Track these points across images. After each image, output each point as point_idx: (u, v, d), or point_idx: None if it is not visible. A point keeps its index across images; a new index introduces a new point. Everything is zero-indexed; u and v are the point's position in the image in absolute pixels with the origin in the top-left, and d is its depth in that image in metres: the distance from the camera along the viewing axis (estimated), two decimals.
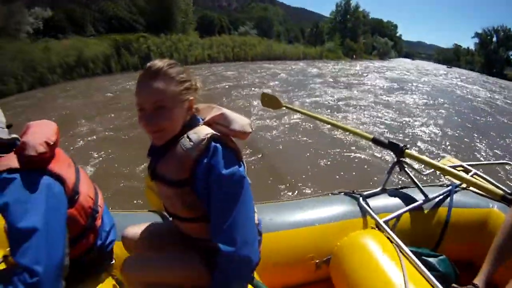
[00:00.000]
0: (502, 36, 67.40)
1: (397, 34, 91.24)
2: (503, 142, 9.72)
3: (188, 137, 1.19)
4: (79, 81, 19.36)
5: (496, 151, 8.67)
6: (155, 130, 1.20)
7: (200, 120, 1.28)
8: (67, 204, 1.33)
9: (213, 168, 1.14)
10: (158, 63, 1.19)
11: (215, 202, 1.15)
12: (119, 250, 1.70)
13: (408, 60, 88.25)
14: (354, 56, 55.04)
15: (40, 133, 1.33)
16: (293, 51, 41.60)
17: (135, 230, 1.63)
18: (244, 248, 1.13)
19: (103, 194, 1.69)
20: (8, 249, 1.64)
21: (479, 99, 20.39)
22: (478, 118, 13.33)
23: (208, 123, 1.25)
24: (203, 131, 1.19)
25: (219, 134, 1.20)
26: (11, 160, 1.24)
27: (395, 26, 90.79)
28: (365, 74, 28.33)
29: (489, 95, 23.54)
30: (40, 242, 1.13)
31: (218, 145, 1.17)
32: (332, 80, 22.09)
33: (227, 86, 17.33)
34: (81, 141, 7.94)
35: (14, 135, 1.37)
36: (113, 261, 1.69)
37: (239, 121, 1.24)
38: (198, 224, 1.30)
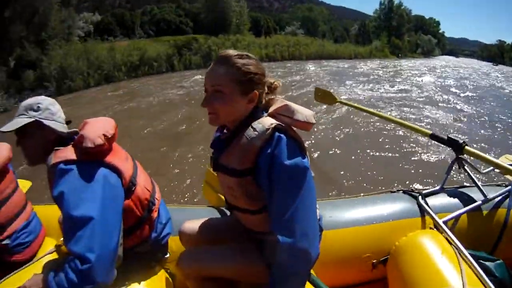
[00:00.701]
0: None
1: (440, 31, 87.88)
2: None
3: (252, 127, 1.18)
4: (143, 78, 20.83)
5: None
6: (210, 111, 1.22)
7: (264, 112, 1.27)
8: (123, 195, 1.36)
9: (276, 158, 1.12)
10: (229, 51, 1.22)
11: (276, 192, 1.12)
12: (174, 244, 1.73)
13: (452, 58, 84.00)
14: (400, 55, 53.67)
15: (98, 127, 1.38)
16: (344, 50, 41.52)
17: (193, 224, 1.64)
18: (304, 240, 1.08)
19: (160, 189, 1.70)
20: (61, 239, 1.65)
21: None
22: None
23: (272, 115, 1.24)
24: (267, 122, 1.18)
25: (282, 124, 1.18)
26: (69, 152, 1.30)
27: (438, 23, 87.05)
28: (414, 72, 27.83)
29: None
30: (94, 230, 1.15)
31: (282, 135, 1.15)
32: (384, 77, 22.42)
33: (295, 83, 18.14)
34: (143, 135, 8.30)
35: (73, 130, 1.47)
36: (167, 255, 1.69)
37: (303, 112, 1.22)
38: (259, 216, 1.28)
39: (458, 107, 12.49)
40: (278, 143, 1.13)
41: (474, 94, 16.90)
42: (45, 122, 1.39)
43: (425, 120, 10.03)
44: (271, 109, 1.26)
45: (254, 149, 1.15)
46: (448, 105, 12.84)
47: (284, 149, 1.12)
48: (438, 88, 18.14)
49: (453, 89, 17.93)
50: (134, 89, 17.01)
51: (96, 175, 1.26)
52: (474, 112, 11.98)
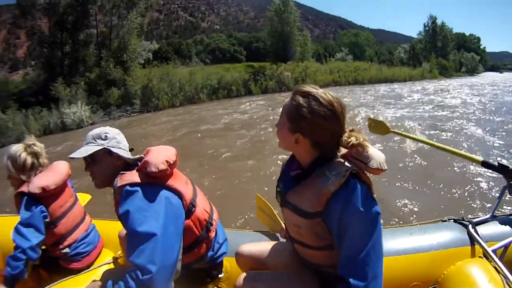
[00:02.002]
0: None
1: (481, 47, 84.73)
2: None
3: (326, 170, 1.19)
4: (223, 100, 22.28)
5: None
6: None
7: (337, 153, 1.25)
8: (184, 215, 1.45)
9: (350, 203, 1.11)
10: (307, 87, 1.22)
11: (349, 236, 1.12)
12: (228, 264, 1.84)
13: (496, 73, 79.97)
14: (446, 74, 52.07)
15: (161, 154, 1.48)
16: (399, 73, 41.98)
17: (250, 247, 1.71)
18: (374, 283, 1.10)
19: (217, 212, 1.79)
20: (119, 252, 2.11)
21: None
22: None
23: (346, 157, 1.22)
24: (342, 166, 1.17)
25: (357, 169, 1.17)
26: (134, 176, 1.40)
27: (478, 39, 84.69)
28: (466, 91, 26.45)
29: None
30: (156, 245, 1.21)
31: (357, 181, 1.14)
32: (437, 97, 21.96)
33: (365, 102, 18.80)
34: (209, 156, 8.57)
35: (137, 156, 1.59)
36: (222, 274, 1.76)
37: (376, 158, 1.19)
38: (322, 252, 1.28)
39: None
40: (353, 189, 1.12)
41: None
42: (113, 149, 1.52)
43: (475, 141, 9.56)
44: (344, 150, 1.23)
45: (328, 194, 1.14)
46: (499, 126, 11.56)
47: (358, 194, 1.11)
48: (486, 106, 16.90)
49: (499, 108, 16.50)
50: (216, 110, 17.59)
51: (159, 196, 1.35)
52: None
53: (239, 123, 13.55)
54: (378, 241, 1.13)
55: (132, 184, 1.35)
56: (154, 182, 1.39)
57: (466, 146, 8.82)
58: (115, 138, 1.55)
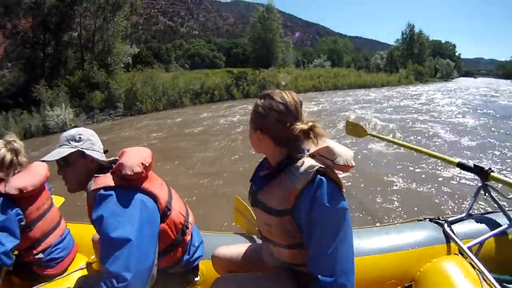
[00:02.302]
0: None
1: (456, 53, 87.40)
2: None
3: (293, 168, 1.20)
4: (205, 105, 22.56)
5: None
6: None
7: (306, 151, 1.28)
8: (159, 219, 1.43)
9: (317, 200, 1.13)
10: (267, 91, 1.29)
11: (317, 233, 1.13)
12: (204, 267, 1.82)
13: (471, 79, 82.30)
14: (422, 80, 53.56)
15: (136, 156, 1.46)
16: (377, 79, 43.37)
17: (226, 250, 1.70)
18: (343, 278, 1.10)
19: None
20: (93, 256, 2.08)
21: None
22: None
23: (313, 155, 1.24)
24: (308, 164, 1.19)
25: (323, 167, 1.18)
26: (108, 179, 1.36)
27: (454, 46, 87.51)
28: (440, 96, 27.42)
29: None
30: (131, 251, 1.19)
31: (323, 178, 1.16)
32: (412, 101, 22.75)
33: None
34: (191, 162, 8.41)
35: (112, 158, 1.54)
36: (198, 278, 1.76)
37: (343, 155, 1.21)
38: (293, 250, 1.28)
39: (483, 131, 11.65)
40: (319, 186, 1.14)
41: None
42: (87, 152, 1.47)
43: (450, 144, 9.83)
44: (312, 149, 1.25)
45: (296, 191, 1.16)
46: (471, 128, 12.13)
47: (325, 191, 1.13)
48: (462, 110, 17.37)
49: (474, 111, 17.06)
50: (198, 114, 17.77)
51: (134, 200, 1.32)
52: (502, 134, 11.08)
53: (220, 126, 13.74)
54: (347, 237, 1.14)
55: (106, 188, 1.32)
56: (128, 185, 1.37)
57: (441, 148, 9.09)
58: (89, 140, 1.51)
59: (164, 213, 1.45)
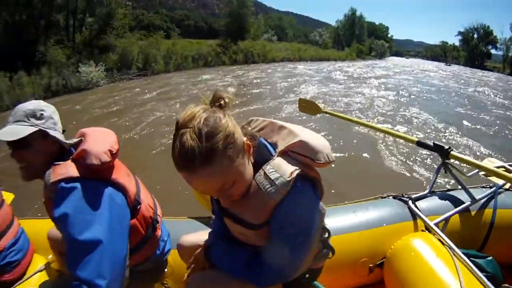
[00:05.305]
0: (481, 33, 72.05)
1: (389, 35, 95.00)
2: None
3: (265, 174, 0.98)
4: (203, 68, 25.39)
5: None
6: None
7: (272, 150, 1.04)
8: (129, 215, 1.25)
9: (295, 209, 0.96)
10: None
11: (283, 237, 0.99)
12: (171, 258, 1.64)
13: (402, 58, 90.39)
14: (362, 57, 60.29)
15: (103, 141, 1.25)
16: (331, 54, 51.52)
17: (191, 238, 1.46)
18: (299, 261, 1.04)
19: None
20: (50, 256, 1.76)
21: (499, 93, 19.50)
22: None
23: (285, 152, 1.01)
24: (284, 167, 0.97)
25: (301, 170, 0.96)
26: (69, 168, 1.15)
27: (387, 28, 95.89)
28: (384, 71, 31.10)
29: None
30: (103, 254, 1.05)
31: (303, 183, 0.97)
32: (362, 75, 25.22)
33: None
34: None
35: (72, 141, 1.28)
36: (166, 270, 1.62)
37: (322, 149, 1.00)
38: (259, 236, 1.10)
39: (427, 106, 12.59)
40: (302, 195, 0.97)
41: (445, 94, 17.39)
42: (50, 132, 1.22)
43: (414, 121, 10.15)
44: (281, 145, 1.03)
45: (273, 204, 0.96)
46: (417, 103, 13.10)
47: (304, 199, 0.98)
48: (402, 86, 19.00)
49: (416, 88, 18.87)
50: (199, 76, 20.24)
51: (101, 195, 1.14)
52: (461, 114, 11.82)
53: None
54: (314, 231, 1.03)
55: (68, 180, 1.11)
56: (94, 177, 1.16)
57: (397, 125, 9.33)
58: (51, 118, 1.26)
59: (134, 207, 1.28)
